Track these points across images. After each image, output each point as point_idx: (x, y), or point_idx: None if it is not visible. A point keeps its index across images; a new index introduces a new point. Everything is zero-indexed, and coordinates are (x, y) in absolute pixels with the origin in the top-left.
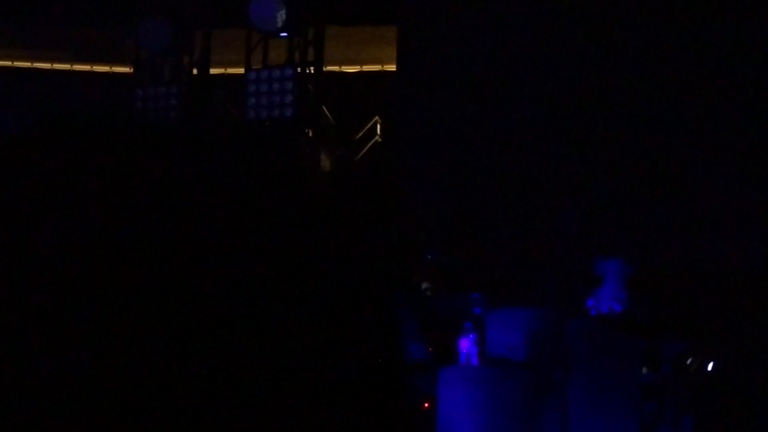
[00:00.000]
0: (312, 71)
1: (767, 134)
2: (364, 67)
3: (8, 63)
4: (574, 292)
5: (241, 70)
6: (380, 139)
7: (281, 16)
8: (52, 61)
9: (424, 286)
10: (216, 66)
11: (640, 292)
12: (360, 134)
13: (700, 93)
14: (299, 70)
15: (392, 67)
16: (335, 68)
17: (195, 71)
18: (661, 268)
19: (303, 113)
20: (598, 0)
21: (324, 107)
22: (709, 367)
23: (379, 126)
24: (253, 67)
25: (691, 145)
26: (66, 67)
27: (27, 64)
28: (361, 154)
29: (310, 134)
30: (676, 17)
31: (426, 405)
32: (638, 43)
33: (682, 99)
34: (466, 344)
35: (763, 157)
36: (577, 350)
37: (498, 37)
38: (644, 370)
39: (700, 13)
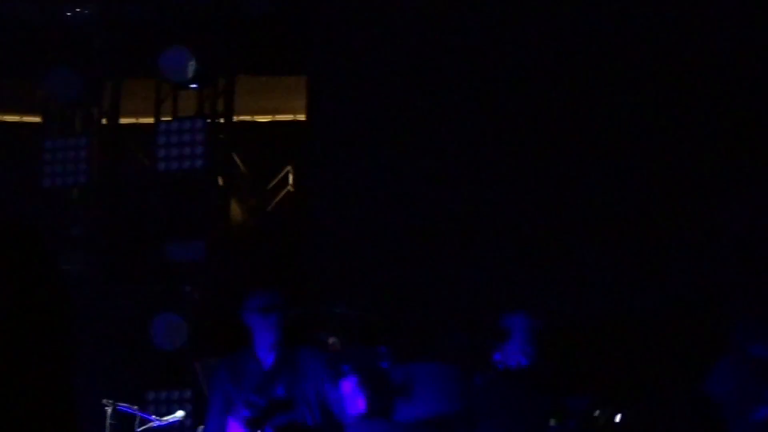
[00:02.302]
0: (223, 121)
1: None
2: (276, 116)
3: None
4: (481, 346)
5: (152, 120)
6: (292, 189)
7: (191, 66)
8: None
9: (331, 340)
10: (127, 116)
11: (546, 346)
12: (272, 184)
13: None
14: (210, 120)
15: (304, 117)
16: (247, 118)
17: (105, 121)
18: (567, 321)
19: (214, 163)
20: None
21: (236, 157)
22: (617, 418)
23: (291, 176)
24: (163, 118)
25: (597, 195)
26: None
27: None
28: (273, 204)
29: (221, 183)
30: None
31: None
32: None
33: (592, 151)
34: (348, 388)
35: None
36: (484, 405)
37: (410, 89)
38: (552, 422)
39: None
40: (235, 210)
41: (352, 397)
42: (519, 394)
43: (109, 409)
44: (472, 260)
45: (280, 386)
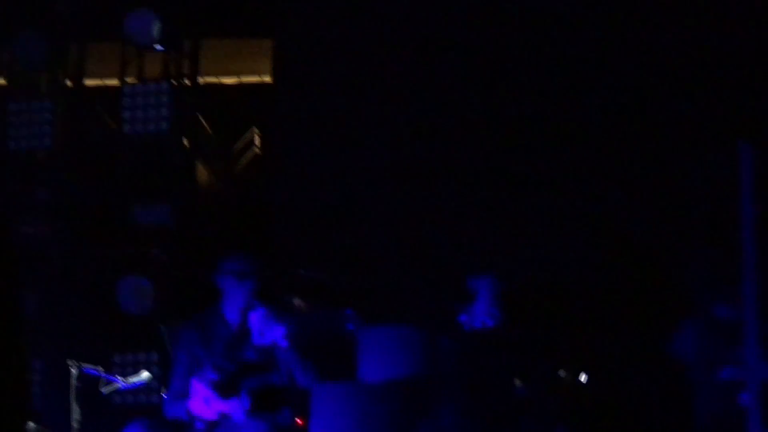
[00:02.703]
0: (188, 84)
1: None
2: (242, 78)
3: None
4: (447, 308)
5: (118, 83)
6: (259, 151)
7: (157, 29)
8: None
9: (296, 302)
10: (92, 78)
11: (512, 307)
12: (238, 146)
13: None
14: (175, 83)
15: (270, 79)
16: (213, 80)
17: (70, 84)
18: (534, 282)
19: (180, 126)
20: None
21: (202, 119)
22: (582, 379)
23: (257, 138)
24: (129, 81)
25: (558, 161)
26: None
27: None
28: (239, 167)
29: (187, 146)
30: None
31: (300, 422)
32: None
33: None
34: (255, 319)
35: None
36: (450, 366)
37: (376, 52)
38: (517, 383)
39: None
40: (202, 173)
41: (261, 328)
42: (485, 356)
43: (74, 371)
44: (439, 223)
45: (249, 350)
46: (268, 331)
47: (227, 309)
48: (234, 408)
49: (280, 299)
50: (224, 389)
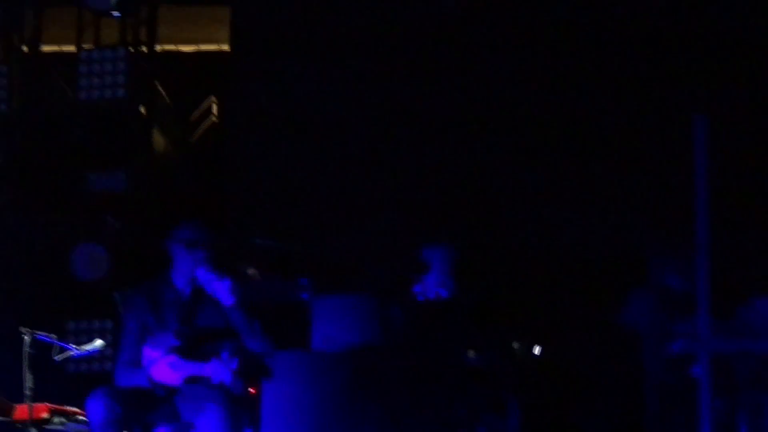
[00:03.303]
0: (146, 50)
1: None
2: (200, 46)
3: None
4: (401, 278)
5: (74, 49)
6: (216, 120)
7: None
8: None
9: (250, 271)
10: (48, 44)
11: (465, 278)
12: (196, 114)
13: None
14: (132, 49)
15: (227, 48)
16: (171, 47)
17: (26, 49)
18: (487, 252)
19: (136, 93)
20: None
21: (160, 87)
22: (536, 350)
23: (215, 106)
24: (85, 47)
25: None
26: None
27: None
28: (196, 135)
29: (144, 113)
30: None
31: (252, 390)
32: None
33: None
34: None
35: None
36: (403, 336)
37: (334, 18)
38: (471, 354)
39: None
40: (159, 140)
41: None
42: (438, 326)
43: (27, 338)
44: (393, 191)
45: (200, 317)
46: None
47: (176, 276)
48: (216, 370)
49: (233, 267)
50: (191, 353)
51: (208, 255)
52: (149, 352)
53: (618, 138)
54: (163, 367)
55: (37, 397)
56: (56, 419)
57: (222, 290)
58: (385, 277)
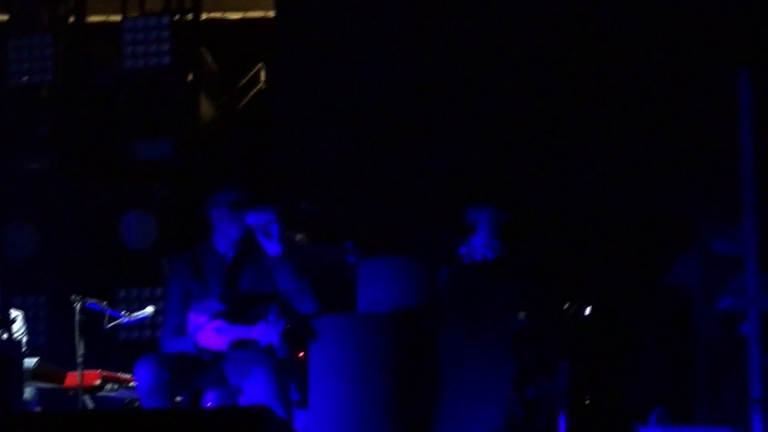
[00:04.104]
0: (191, 18)
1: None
2: (246, 13)
3: None
4: (447, 240)
5: (120, 18)
6: (263, 86)
7: None
8: None
9: (297, 237)
10: (94, 13)
11: (513, 238)
12: (243, 81)
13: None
14: (178, 17)
15: (274, 14)
16: (218, 15)
17: (71, 19)
18: (534, 214)
19: (181, 61)
20: None
21: (207, 54)
22: (586, 311)
23: (262, 73)
24: (130, 16)
25: (561, 93)
26: None
27: None
28: (244, 102)
29: (190, 81)
30: None
31: (300, 354)
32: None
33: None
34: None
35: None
36: (450, 299)
37: None
38: (520, 315)
39: None
40: (206, 107)
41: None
42: (485, 288)
43: (77, 306)
44: (439, 155)
45: (244, 280)
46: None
47: (218, 240)
48: (263, 333)
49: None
50: (237, 318)
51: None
52: (194, 318)
53: (663, 98)
54: (210, 333)
55: (87, 364)
56: (107, 386)
57: (272, 245)
58: (431, 239)
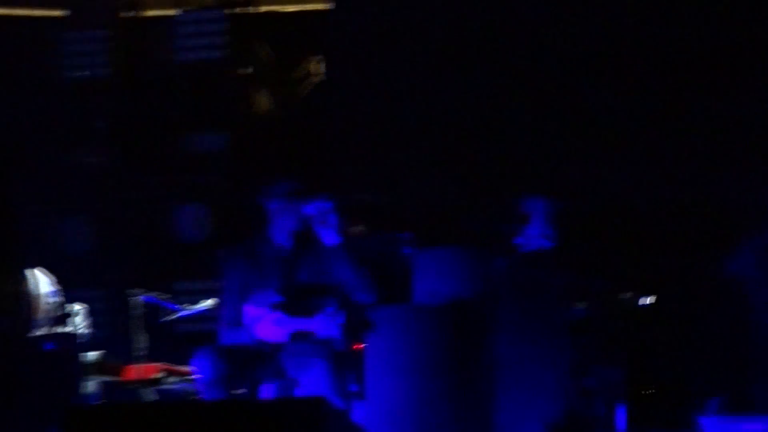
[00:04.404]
0: (247, 11)
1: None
2: (304, 6)
3: None
4: (502, 230)
5: (174, 11)
6: (320, 79)
7: None
8: None
9: (357, 228)
10: (148, 8)
11: (569, 228)
12: (299, 74)
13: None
14: (234, 10)
15: (330, 6)
16: (275, 8)
17: (126, 13)
18: (590, 203)
19: (235, 54)
20: None
21: (262, 47)
22: (646, 301)
23: (319, 65)
24: (185, 9)
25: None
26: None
27: None
28: (300, 94)
29: (245, 74)
30: None
31: (358, 346)
32: None
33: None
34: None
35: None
36: (507, 288)
37: None
38: (577, 305)
39: None
40: (261, 100)
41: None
42: (541, 278)
43: (136, 299)
44: (494, 144)
45: (302, 272)
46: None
47: (275, 232)
48: (322, 325)
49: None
50: (295, 310)
51: (303, 207)
52: (252, 310)
53: (721, 88)
54: (268, 325)
55: (148, 357)
56: (166, 379)
57: (329, 235)
58: (487, 229)
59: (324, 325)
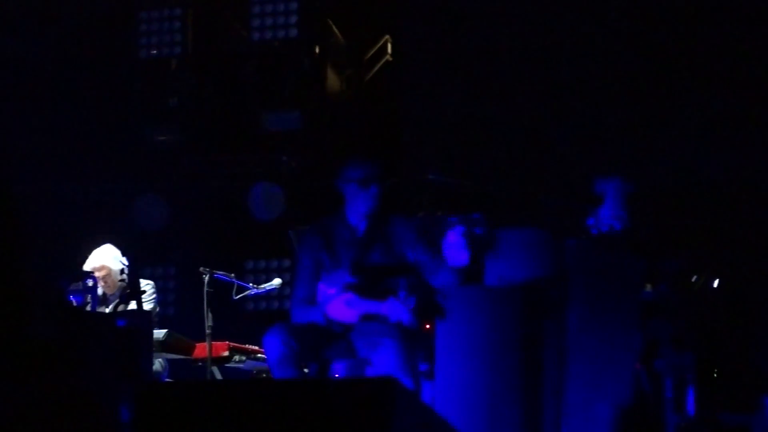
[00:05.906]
0: None
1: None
2: None
3: None
4: (574, 211)
5: None
6: (390, 59)
7: None
8: None
9: (421, 213)
10: None
11: (641, 210)
12: (370, 53)
13: None
14: None
15: None
16: None
17: None
18: (662, 185)
19: (309, 33)
20: None
21: (333, 26)
22: (715, 284)
23: (389, 45)
24: None
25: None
26: None
27: None
28: (371, 74)
29: (318, 53)
30: None
31: (427, 326)
32: None
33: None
34: (453, 239)
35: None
36: (578, 270)
37: None
38: (648, 287)
39: None
40: (333, 79)
41: (455, 249)
42: (612, 259)
43: (206, 277)
44: (567, 125)
45: (375, 254)
46: (462, 252)
47: (350, 214)
48: (393, 309)
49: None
50: (368, 291)
51: (379, 190)
52: (325, 289)
53: None
54: (340, 305)
55: (216, 335)
56: (236, 357)
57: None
58: (559, 210)
59: (395, 310)
